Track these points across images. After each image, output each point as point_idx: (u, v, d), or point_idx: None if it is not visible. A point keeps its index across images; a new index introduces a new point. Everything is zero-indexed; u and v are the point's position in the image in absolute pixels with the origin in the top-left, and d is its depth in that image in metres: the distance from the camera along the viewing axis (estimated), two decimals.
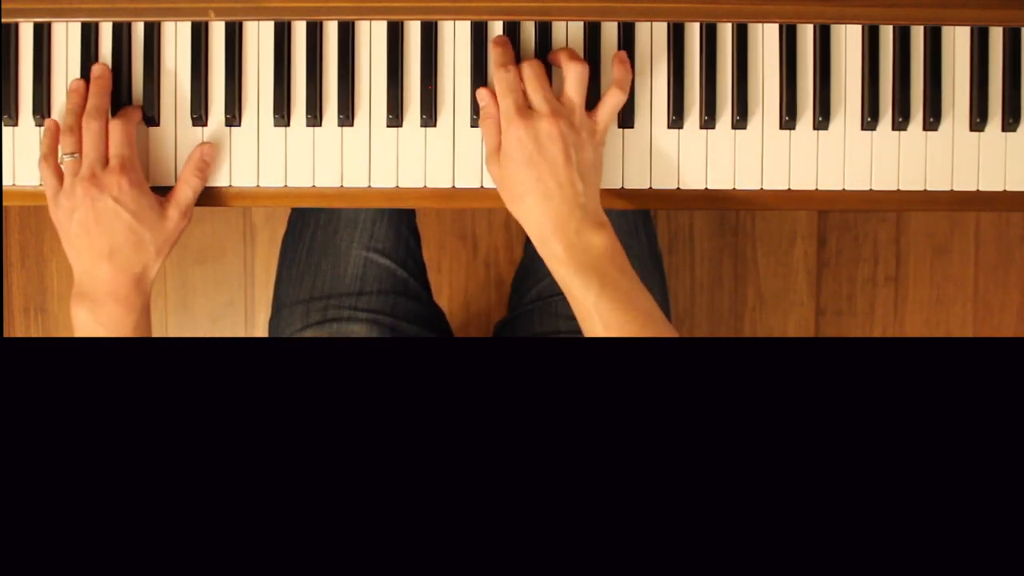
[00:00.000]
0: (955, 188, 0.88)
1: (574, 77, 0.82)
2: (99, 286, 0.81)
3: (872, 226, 1.58)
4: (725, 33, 0.87)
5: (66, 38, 0.86)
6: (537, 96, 0.81)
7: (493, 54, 0.84)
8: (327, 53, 0.86)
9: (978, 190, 0.88)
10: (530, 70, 0.82)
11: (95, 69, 0.85)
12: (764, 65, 0.87)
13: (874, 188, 0.88)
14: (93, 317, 0.81)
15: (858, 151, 0.87)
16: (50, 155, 0.84)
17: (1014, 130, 0.88)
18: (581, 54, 0.86)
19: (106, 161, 0.82)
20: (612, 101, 0.83)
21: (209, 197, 0.87)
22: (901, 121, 0.87)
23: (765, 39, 0.87)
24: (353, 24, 0.86)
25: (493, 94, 0.83)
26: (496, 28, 0.86)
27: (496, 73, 0.83)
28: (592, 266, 0.78)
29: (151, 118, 0.86)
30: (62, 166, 0.83)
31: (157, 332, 1.58)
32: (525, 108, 0.81)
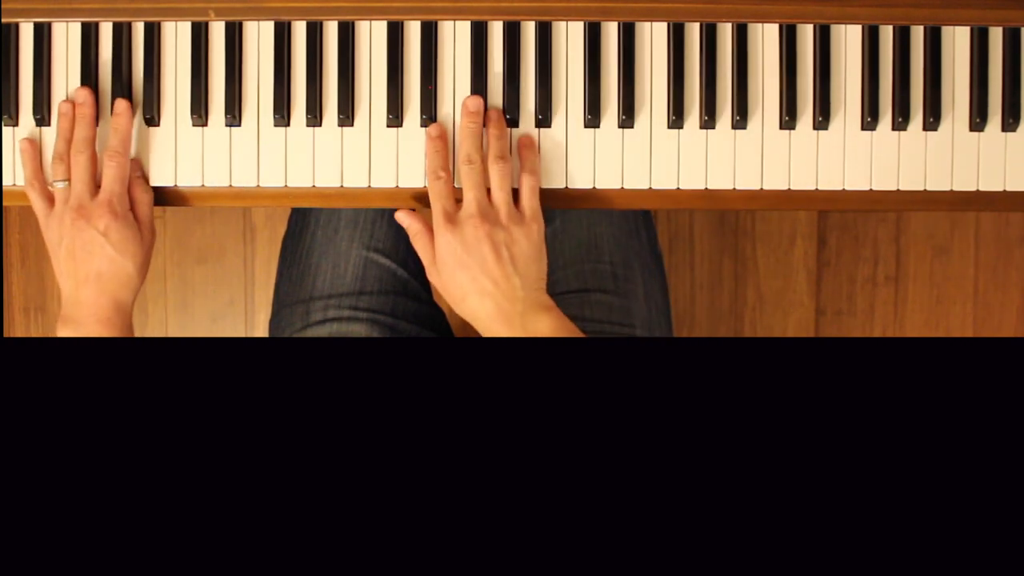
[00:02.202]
0: (955, 188, 0.88)
1: (496, 177, 0.83)
2: (83, 309, 0.83)
3: (872, 226, 1.58)
4: (725, 33, 0.87)
5: (66, 38, 0.86)
6: (468, 196, 0.83)
7: (427, 158, 0.85)
8: (327, 53, 0.86)
9: (978, 190, 0.88)
10: (465, 170, 0.83)
11: (77, 95, 0.86)
12: (764, 65, 0.87)
13: (874, 188, 0.88)
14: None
15: (858, 151, 0.87)
16: (35, 179, 0.86)
17: (1014, 130, 0.88)
18: (581, 55, 0.86)
19: (94, 190, 0.84)
20: (527, 186, 0.85)
21: (209, 197, 0.87)
22: (901, 121, 0.87)
23: (765, 39, 0.87)
24: (353, 24, 0.86)
25: (411, 215, 0.85)
26: (496, 28, 0.86)
27: (428, 179, 0.85)
28: None
29: (151, 118, 0.86)
30: (51, 189, 0.85)
31: (157, 332, 1.58)
32: (453, 213, 0.83)
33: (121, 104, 0.85)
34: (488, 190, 0.83)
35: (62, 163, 0.84)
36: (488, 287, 0.81)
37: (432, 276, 0.85)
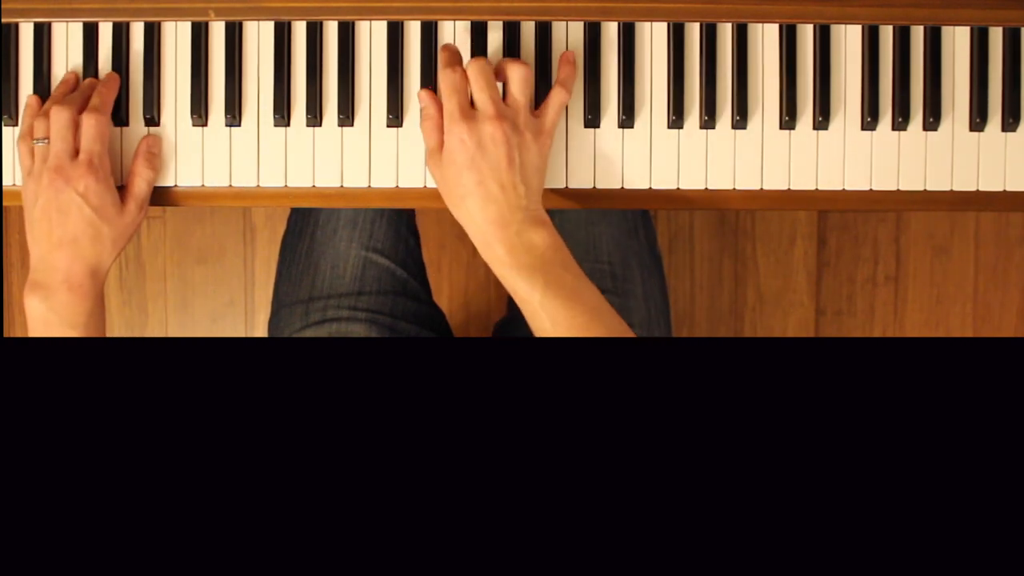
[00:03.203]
0: (955, 188, 0.88)
1: (517, 78, 0.81)
2: (54, 274, 0.81)
3: (872, 226, 1.58)
4: (725, 33, 0.87)
5: (66, 38, 0.86)
6: (482, 96, 0.80)
7: (440, 57, 0.84)
8: (327, 53, 0.86)
9: (978, 190, 0.88)
10: (476, 69, 0.80)
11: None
12: (764, 65, 0.87)
13: (874, 188, 0.88)
14: (47, 305, 0.80)
15: (858, 151, 0.87)
16: (29, 135, 0.84)
17: (1014, 130, 0.88)
18: (581, 56, 0.86)
19: (75, 152, 0.81)
20: (557, 99, 0.83)
21: (209, 197, 0.87)
22: (901, 121, 0.87)
23: (765, 39, 0.87)
24: (353, 24, 0.86)
25: (433, 95, 0.83)
26: (496, 28, 0.86)
27: (442, 73, 0.81)
28: (535, 266, 0.78)
29: (151, 118, 0.86)
30: (35, 148, 0.83)
31: (157, 332, 1.58)
32: (469, 109, 0.80)
33: (112, 73, 0.85)
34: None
35: (46, 120, 0.82)
36: (495, 192, 0.78)
37: (431, 166, 0.82)
